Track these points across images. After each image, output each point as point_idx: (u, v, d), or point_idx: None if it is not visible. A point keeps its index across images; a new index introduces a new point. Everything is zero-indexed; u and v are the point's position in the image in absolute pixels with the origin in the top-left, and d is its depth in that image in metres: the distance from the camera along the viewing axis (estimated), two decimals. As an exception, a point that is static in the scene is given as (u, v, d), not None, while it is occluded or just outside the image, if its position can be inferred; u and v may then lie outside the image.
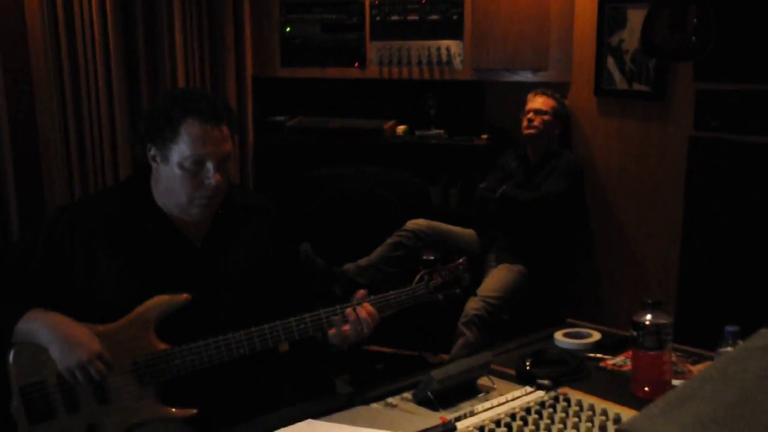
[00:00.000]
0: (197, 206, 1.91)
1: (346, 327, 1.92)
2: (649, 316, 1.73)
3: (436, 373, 1.73)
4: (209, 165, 1.86)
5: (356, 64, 4.20)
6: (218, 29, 4.13)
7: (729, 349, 1.54)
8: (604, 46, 3.66)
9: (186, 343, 1.86)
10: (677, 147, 3.43)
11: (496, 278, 3.55)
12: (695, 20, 3.06)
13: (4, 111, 3.34)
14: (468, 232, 3.81)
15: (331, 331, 1.92)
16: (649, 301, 1.75)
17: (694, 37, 3.08)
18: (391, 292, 2.00)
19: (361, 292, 1.99)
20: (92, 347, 1.79)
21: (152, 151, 1.91)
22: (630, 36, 3.54)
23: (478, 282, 3.63)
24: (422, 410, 1.71)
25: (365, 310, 1.92)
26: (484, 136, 4.08)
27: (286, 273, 2.13)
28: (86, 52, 3.60)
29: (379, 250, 3.65)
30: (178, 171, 1.86)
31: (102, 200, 2.01)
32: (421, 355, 4.10)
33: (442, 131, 4.11)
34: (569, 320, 2.30)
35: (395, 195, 3.84)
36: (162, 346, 1.87)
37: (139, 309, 1.87)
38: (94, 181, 3.72)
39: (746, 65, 3.14)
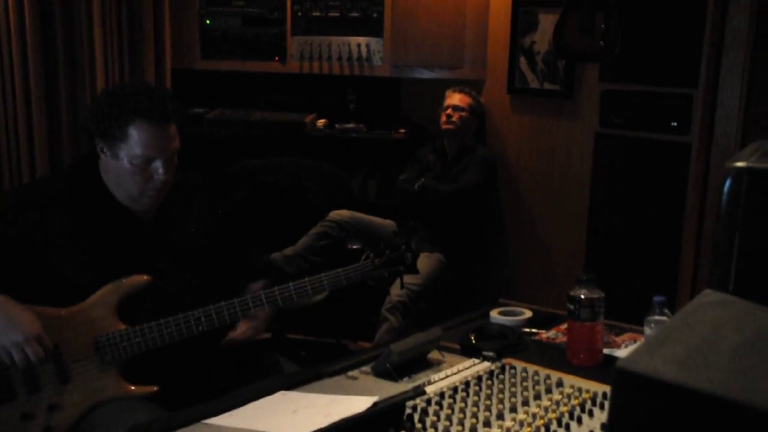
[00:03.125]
0: (147, 197, 2.00)
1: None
2: (584, 291, 1.92)
3: (395, 347, 1.86)
4: (158, 163, 1.96)
5: (276, 58, 4.27)
6: (138, 20, 4.11)
7: (657, 317, 1.75)
8: (516, 47, 3.90)
9: (146, 322, 1.93)
10: (584, 142, 3.71)
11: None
12: (603, 26, 3.33)
13: None
14: (388, 223, 3.96)
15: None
16: (584, 277, 1.94)
17: (601, 41, 3.34)
18: (340, 270, 2.12)
19: (257, 285, 2.09)
20: (30, 329, 1.82)
21: (100, 145, 1.98)
22: (541, 38, 3.79)
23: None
24: (383, 382, 1.84)
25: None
26: (402, 131, 4.25)
27: (230, 245, 2.24)
28: (2, 42, 3.53)
29: (304, 240, 3.75)
30: (128, 166, 1.95)
31: (51, 184, 2.06)
32: (339, 342, 4.23)
33: (361, 125, 4.25)
34: (501, 300, 2.49)
35: (319, 186, 3.94)
36: (123, 326, 1.93)
37: (102, 291, 1.93)
38: (9, 177, 3.65)
39: (647, 68, 3.44)
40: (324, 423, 1.42)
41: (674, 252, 3.42)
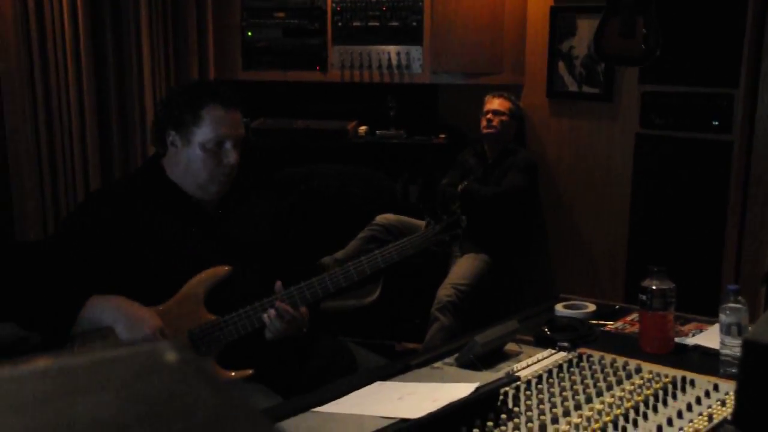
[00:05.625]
0: (217, 183, 2.11)
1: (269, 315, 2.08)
2: (656, 282, 2.01)
3: (479, 338, 1.95)
4: (228, 145, 2.08)
5: (318, 68, 4.37)
6: (182, 33, 4.23)
7: (731, 304, 1.84)
8: (555, 52, 3.99)
9: (230, 310, 2.05)
10: (625, 143, 3.79)
11: (464, 267, 3.81)
12: (643, 29, 3.42)
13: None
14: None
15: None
16: (655, 269, 2.03)
17: (642, 45, 3.43)
18: (405, 240, 2.27)
19: (278, 283, 2.11)
20: (155, 322, 1.96)
21: (171, 136, 2.09)
22: (579, 43, 3.88)
23: (445, 272, 3.90)
24: (468, 371, 1.92)
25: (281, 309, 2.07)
26: (442, 136, 4.34)
27: (287, 243, 2.36)
28: (57, 53, 3.68)
29: (353, 244, 3.84)
30: (199, 152, 2.07)
31: (124, 187, 2.19)
32: (384, 344, 4.31)
33: (402, 131, 4.34)
34: (562, 295, 2.57)
35: (364, 191, 4.04)
36: (212, 317, 2.05)
37: (188, 285, 2.05)
38: (63, 179, 3.77)
39: (687, 69, 3.52)
40: (434, 407, 1.50)
41: (717, 248, 3.50)
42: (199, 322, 2.04)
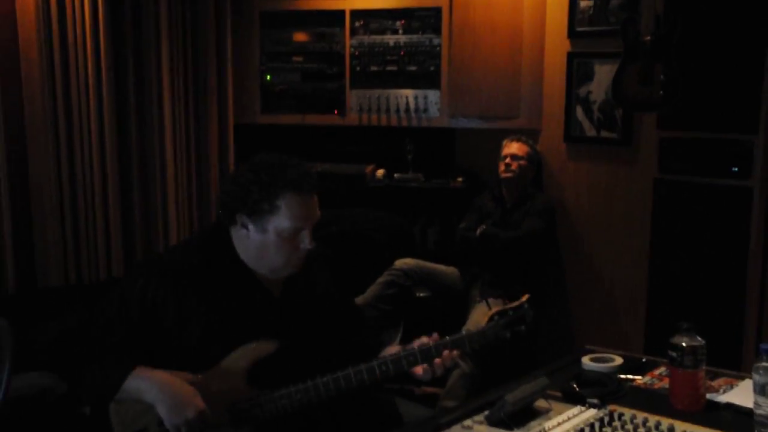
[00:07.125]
0: (292, 266, 2.05)
1: (419, 369, 2.10)
2: (686, 339, 2.00)
3: (509, 397, 1.93)
4: (305, 232, 2.00)
5: (336, 112, 4.41)
6: (202, 77, 4.29)
7: (765, 363, 1.82)
8: (572, 97, 4.01)
9: (273, 387, 1.99)
10: (643, 188, 3.79)
11: (484, 312, 3.79)
12: (662, 76, 3.43)
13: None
14: (451, 270, 4.04)
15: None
16: (684, 326, 2.02)
17: (661, 91, 3.45)
18: (464, 334, 2.15)
19: (435, 336, 2.11)
20: (198, 405, 1.90)
21: (243, 219, 2.00)
22: (597, 88, 3.90)
23: (464, 316, 3.88)
24: (499, 431, 1.91)
25: (448, 356, 2.11)
26: (460, 179, 4.35)
27: (351, 312, 2.33)
28: (80, 98, 3.74)
29: (372, 289, 3.84)
30: (274, 238, 1.98)
31: (185, 256, 2.08)
32: (403, 388, 4.28)
33: (420, 175, 4.36)
34: (588, 346, 2.55)
35: (382, 235, 4.04)
36: (254, 391, 1.99)
37: (232, 357, 1.98)
38: (84, 224, 3.79)
39: (704, 116, 3.53)
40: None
41: (739, 295, 3.47)
42: (239, 395, 1.97)
